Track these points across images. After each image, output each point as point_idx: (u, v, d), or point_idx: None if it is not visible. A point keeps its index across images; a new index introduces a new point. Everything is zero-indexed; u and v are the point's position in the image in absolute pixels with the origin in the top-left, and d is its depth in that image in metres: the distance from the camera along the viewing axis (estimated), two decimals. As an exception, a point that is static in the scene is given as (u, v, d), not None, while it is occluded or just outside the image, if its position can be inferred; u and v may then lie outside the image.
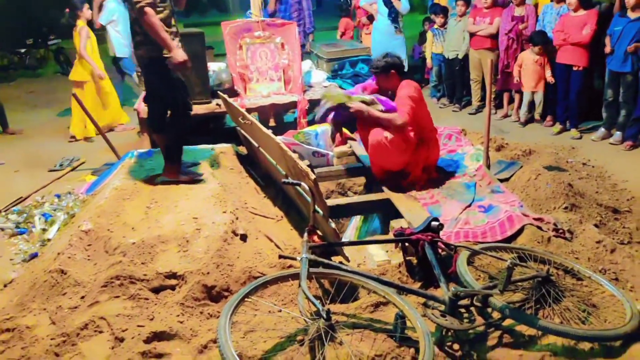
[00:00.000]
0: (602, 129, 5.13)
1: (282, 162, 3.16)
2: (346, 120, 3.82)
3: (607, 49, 4.83)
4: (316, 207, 2.60)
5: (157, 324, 2.21)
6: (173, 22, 3.32)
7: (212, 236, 2.87)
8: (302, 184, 2.58)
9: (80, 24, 6.06)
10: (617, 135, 4.96)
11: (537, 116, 5.76)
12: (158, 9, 3.16)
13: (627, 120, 4.88)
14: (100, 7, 6.64)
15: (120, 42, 6.63)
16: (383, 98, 3.66)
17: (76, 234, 2.94)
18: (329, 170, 4.32)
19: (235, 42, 4.97)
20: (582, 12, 4.98)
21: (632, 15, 4.65)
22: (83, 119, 5.84)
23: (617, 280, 2.55)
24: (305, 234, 2.48)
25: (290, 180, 2.68)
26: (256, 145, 3.90)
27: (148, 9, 3.08)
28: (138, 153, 4.20)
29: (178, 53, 3.19)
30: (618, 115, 4.98)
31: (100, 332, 2.22)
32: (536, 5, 5.74)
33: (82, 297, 2.48)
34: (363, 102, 3.59)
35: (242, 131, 4.25)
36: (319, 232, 2.70)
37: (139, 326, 2.19)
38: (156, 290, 2.56)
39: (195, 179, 3.53)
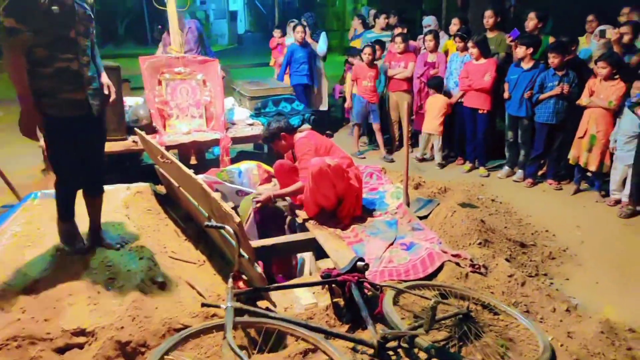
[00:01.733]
0: (506, 167, 5.58)
1: (205, 204, 3.04)
2: (267, 212, 4.07)
3: (506, 95, 5.32)
4: (241, 251, 2.51)
5: (62, 391, 1.97)
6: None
7: (127, 285, 2.67)
8: (226, 227, 2.49)
9: None
10: (519, 173, 5.42)
11: (438, 158, 6.06)
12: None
13: (527, 159, 5.36)
14: None
15: None
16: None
17: (-36, 289, 2.59)
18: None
19: (154, 77, 4.82)
20: (483, 61, 5.46)
21: (525, 66, 5.19)
22: None
23: (528, 312, 2.71)
24: (230, 280, 2.38)
25: (213, 223, 2.57)
26: (176, 185, 3.74)
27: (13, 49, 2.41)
28: (42, 194, 3.86)
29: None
30: (519, 155, 5.46)
31: (-9, 405, 1.94)
32: (447, 53, 6.21)
33: (-30, 365, 2.16)
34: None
35: (161, 170, 4.08)
36: (244, 277, 2.61)
37: (39, 395, 1.94)
38: (61, 351, 2.30)
39: (75, 252, 2.92)
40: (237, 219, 2.37)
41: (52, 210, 3.54)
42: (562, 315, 2.74)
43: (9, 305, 2.50)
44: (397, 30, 6.55)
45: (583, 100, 4.76)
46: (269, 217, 4.11)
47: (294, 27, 6.93)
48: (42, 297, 2.54)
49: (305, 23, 7.08)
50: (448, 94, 5.94)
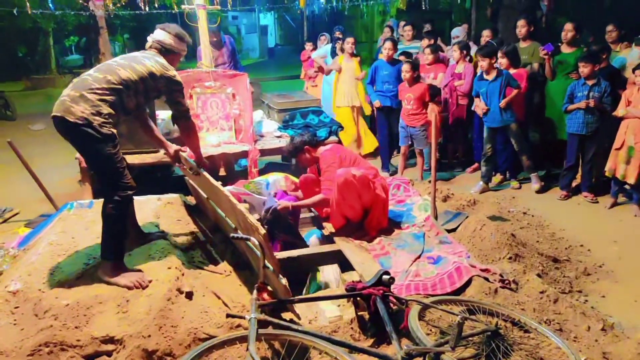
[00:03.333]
0: (481, 183, 5.35)
1: (232, 215, 3.08)
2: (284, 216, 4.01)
3: (483, 108, 5.17)
4: (266, 262, 2.53)
5: (90, 398, 2.01)
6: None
7: (154, 295, 2.72)
8: (252, 238, 2.52)
9: None
10: (536, 184, 5.25)
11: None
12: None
13: (532, 167, 5.24)
14: None
15: None
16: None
17: (2, 295, 2.70)
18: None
19: (186, 91, 4.94)
20: (513, 71, 5.35)
21: (488, 77, 5.13)
22: None
23: (561, 330, 2.61)
24: (255, 292, 2.40)
25: (239, 235, 2.60)
26: (205, 196, 3.80)
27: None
28: (78, 204, 3.99)
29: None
30: (494, 169, 5.39)
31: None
32: (477, 64, 6.12)
33: (4, 369, 2.24)
34: None
35: (191, 181, 4.15)
36: (269, 288, 2.62)
37: (68, 401, 1.99)
38: (90, 358, 2.36)
39: (136, 286, 2.77)
40: (263, 231, 2.39)
41: (86, 219, 3.68)
42: (597, 335, 2.63)
43: (42, 312, 2.58)
44: (425, 42, 6.50)
45: (619, 111, 4.60)
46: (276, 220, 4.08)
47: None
48: (73, 305, 2.61)
49: (340, 36, 7.10)
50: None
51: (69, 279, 2.85)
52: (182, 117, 3.19)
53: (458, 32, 6.73)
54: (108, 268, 2.82)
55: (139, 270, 2.91)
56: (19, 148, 5.51)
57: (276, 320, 2.29)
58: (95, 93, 2.75)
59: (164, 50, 3.11)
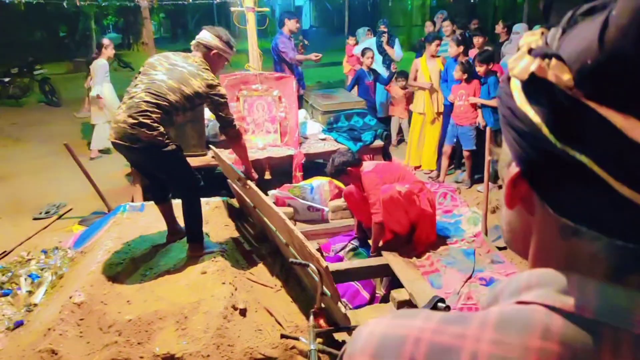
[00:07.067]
0: None
1: (285, 233, 3.10)
2: None
3: None
4: (324, 288, 2.54)
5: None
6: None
7: (211, 312, 2.77)
8: (311, 265, 2.53)
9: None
10: None
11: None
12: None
13: None
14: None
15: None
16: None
17: (67, 306, 2.80)
18: (325, 227, 4.31)
19: (233, 94, 4.95)
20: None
21: None
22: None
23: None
24: (311, 317, 2.41)
25: (299, 260, 2.62)
26: (252, 204, 3.83)
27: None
28: (130, 207, 4.10)
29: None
30: None
31: None
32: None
33: (75, 385, 2.34)
34: None
35: (235, 186, 4.19)
36: (325, 314, 2.64)
37: None
38: (153, 376, 2.45)
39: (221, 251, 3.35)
40: (324, 264, 2.40)
41: (139, 224, 3.77)
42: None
43: (106, 326, 2.68)
44: (478, 40, 6.12)
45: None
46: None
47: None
48: (135, 320, 2.69)
49: (385, 29, 6.98)
50: None
51: (129, 291, 2.94)
52: (228, 126, 3.24)
53: (520, 29, 6.34)
54: (198, 247, 3.27)
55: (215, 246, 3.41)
56: (65, 137, 5.69)
57: (334, 351, 2.31)
58: (150, 117, 2.88)
59: (210, 53, 3.13)
